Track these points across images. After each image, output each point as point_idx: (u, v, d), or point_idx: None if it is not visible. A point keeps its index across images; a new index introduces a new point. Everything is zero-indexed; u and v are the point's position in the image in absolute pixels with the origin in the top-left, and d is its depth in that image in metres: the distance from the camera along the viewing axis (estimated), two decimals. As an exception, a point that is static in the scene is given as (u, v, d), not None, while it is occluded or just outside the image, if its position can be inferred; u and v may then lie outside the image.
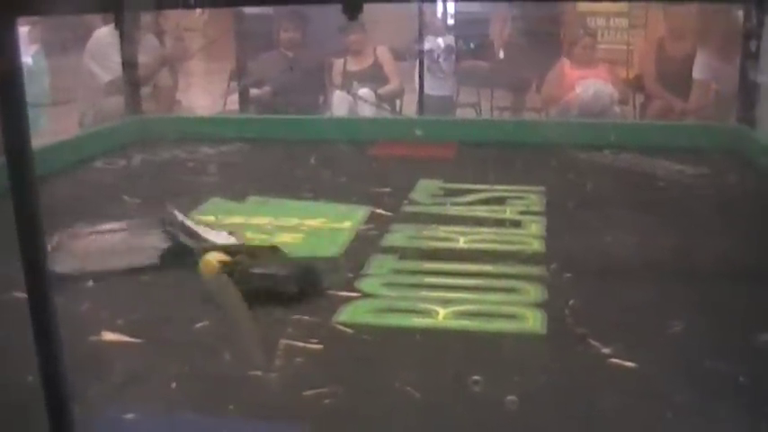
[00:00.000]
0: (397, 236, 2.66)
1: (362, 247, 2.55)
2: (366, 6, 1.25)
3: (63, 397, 1.17)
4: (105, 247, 2.42)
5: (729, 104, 4.70)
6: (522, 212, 2.90)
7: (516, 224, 2.78)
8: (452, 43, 6.83)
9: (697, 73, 5.34)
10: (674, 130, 4.30)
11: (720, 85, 5.26)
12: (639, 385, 1.65)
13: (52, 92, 6.44)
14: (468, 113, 6.88)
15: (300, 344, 1.83)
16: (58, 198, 2.95)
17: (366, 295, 2.15)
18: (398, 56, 6.54)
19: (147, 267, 2.31)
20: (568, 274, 2.28)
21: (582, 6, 7.50)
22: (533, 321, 1.97)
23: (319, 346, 1.84)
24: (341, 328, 1.95)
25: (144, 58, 5.07)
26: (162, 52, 5.79)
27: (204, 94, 7.50)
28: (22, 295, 1.17)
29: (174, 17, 6.07)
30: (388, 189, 3.22)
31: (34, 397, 1.20)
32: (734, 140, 3.91)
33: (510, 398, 1.56)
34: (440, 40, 6.72)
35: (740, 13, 4.39)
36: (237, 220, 2.82)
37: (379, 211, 2.94)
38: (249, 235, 2.64)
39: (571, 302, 2.05)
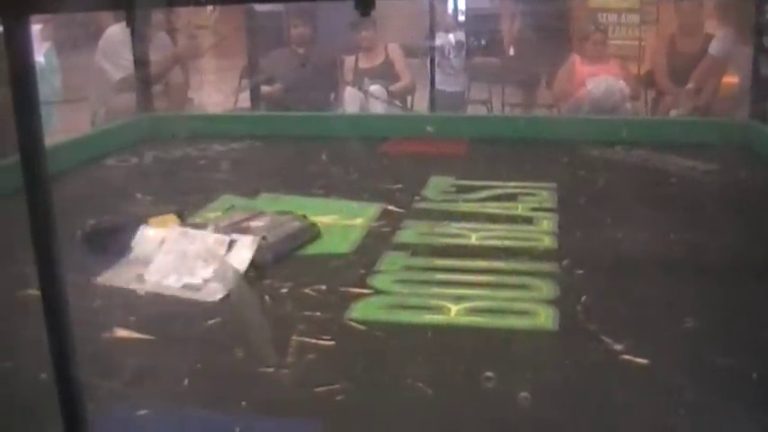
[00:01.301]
0: (409, 232, 2.66)
1: (374, 244, 2.55)
2: (377, 3, 1.25)
3: (76, 394, 1.18)
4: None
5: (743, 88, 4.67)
6: (533, 209, 2.90)
7: (528, 221, 2.78)
8: (462, 39, 6.83)
9: (712, 50, 5.29)
10: (685, 126, 4.29)
11: (734, 64, 5.22)
12: (651, 382, 1.65)
13: (64, 90, 6.47)
14: (480, 110, 6.87)
15: (312, 340, 1.84)
16: (70, 196, 2.96)
17: (378, 292, 2.15)
18: (409, 53, 6.54)
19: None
20: (580, 271, 2.27)
21: (593, 2, 7.49)
22: (545, 318, 1.97)
23: (331, 343, 1.84)
24: (353, 324, 1.95)
25: (155, 55, 5.08)
26: (173, 50, 5.80)
27: (215, 91, 7.51)
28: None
29: (185, 15, 6.08)
30: (399, 186, 3.22)
31: (48, 394, 1.21)
32: (746, 136, 3.90)
33: (522, 394, 1.56)
34: (450, 37, 6.72)
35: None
36: (249, 217, 2.82)
37: (390, 207, 2.94)
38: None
39: (583, 299, 2.05)
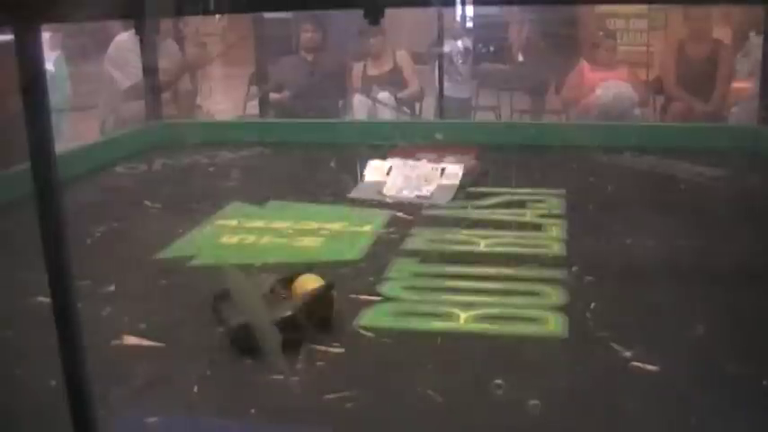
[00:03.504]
0: (418, 239, 2.66)
1: (383, 251, 2.55)
2: (386, 10, 1.25)
3: (86, 400, 1.18)
4: None
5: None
6: (542, 215, 2.90)
7: (537, 227, 2.77)
8: (470, 46, 6.83)
9: None
10: (694, 132, 4.28)
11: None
12: (661, 389, 1.64)
13: (74, 98, 6.49)
14: (488, 117, 6.87)
15: (322, 348, 1.84)
16: (80, 203, 2.97)
17: (387, 299, 2.15)
18: (418, 59, 6.54)
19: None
20: (589, 277, 2.27)
21: (601, 8, 7.47)
22: (555, 325, 1.96)
23: (341, 350, 1.84)
24: (362, 331, 1.95)
25: (164, 63, 5.10)
26: (182, 58, 5.82)
27: (224, 98, 7.53)
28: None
29: (193, 22, 6.10)
30: (408, 192, 3.22)
31: (58, 400, 1.21)
32: (755, 141, 3.89)
33: (532, 402, 1.55)
34: (459, 43, 6.72)
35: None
36: (258, 224, 2.83)
37: (399, 214, 2.94)
38: (267, 239, 2.66)
39: (593, 306, 2.05)
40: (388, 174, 3.36)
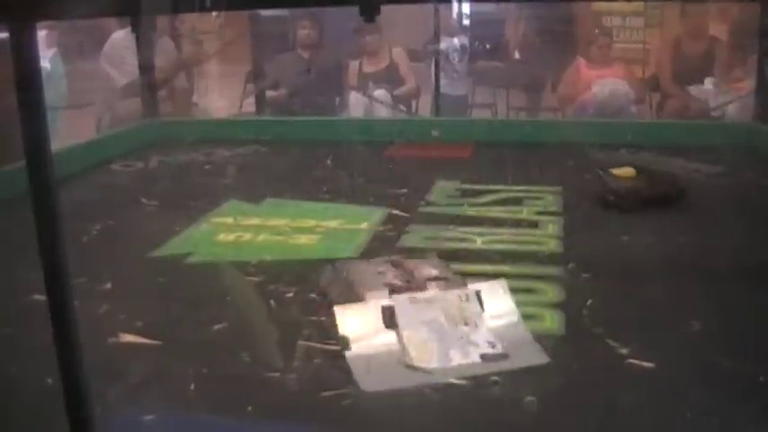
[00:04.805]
0: (415, 237, 2.66)
1: (380, 249, 2.55)
2: (382, 8, 1.25)
3: (83, 398, 1.18)
4: None
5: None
6: (539, 213, 2.90)
7: (533, 224, 2.77)
8: (467, 43, 6.84)
9: None
10: (690, 129, 4.29)
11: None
12: (658, 385, 1.64)
13: (69, 95, 6.48)
14: (484, 114, 6.87)
15: (318, 345, 1.84)
16: (76, 200, 2.97)
17: (383, 296, 2.13)
18: (414, 57, 6.54)
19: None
20: (586, 275, 2.27)
21: (598, 6, 7.48)
22: (551, 321, 1.96)
23: (337, 348, 1.83)
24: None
25: (160, 61, 5.10)
26: (178, 55, 5.81)
27: (220, 96, 7.52)
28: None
29: (190, 20, 6.09)
30: (404, 190, 3.22)
31: (54, 398, 1.21)
32: (750, 138, 3.89)
33: (528, 399, 1.55)
34: (455, 41, 6.73)
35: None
36: (255, 221, 2.83)
37: (396, 212, 2.94)
38: (264, 237, 2.66)
39: (589, 302, 2.05)
40: (388, 325, 1.81)
